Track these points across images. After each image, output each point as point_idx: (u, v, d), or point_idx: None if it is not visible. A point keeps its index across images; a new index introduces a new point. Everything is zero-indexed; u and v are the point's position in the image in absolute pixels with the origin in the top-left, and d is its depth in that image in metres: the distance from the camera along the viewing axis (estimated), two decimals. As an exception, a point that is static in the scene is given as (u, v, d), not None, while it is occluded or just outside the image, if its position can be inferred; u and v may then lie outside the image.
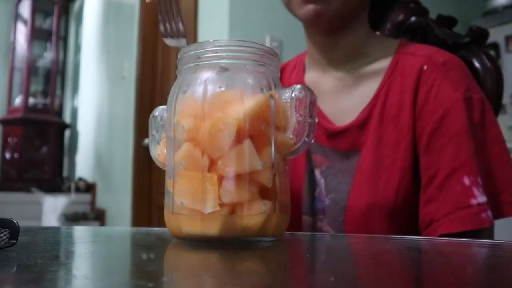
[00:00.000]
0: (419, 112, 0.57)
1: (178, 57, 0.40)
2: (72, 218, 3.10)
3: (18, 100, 4.08)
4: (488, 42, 0.72)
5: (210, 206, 0.34)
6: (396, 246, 0.39)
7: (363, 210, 0.57)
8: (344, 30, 0.62)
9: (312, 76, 0.68)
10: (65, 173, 4.35)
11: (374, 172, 0.58)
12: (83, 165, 3.83)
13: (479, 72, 0.68)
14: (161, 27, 0.45)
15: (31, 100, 4.09)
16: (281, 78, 0.50)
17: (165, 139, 0.41)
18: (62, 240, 0.43)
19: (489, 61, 0.68)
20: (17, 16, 4.19)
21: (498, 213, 0.53)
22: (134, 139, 2.63)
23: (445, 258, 0.33)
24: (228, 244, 0.36)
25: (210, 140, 0.35)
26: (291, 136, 0.37)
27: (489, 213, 0.52)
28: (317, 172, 0.63)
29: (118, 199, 2.85)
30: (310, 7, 0.58)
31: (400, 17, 0.75)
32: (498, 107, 0.69)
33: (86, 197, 3.48)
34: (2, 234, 0.31)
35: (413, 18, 0.74)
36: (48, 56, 4.27)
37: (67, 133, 4.40)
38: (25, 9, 4.15)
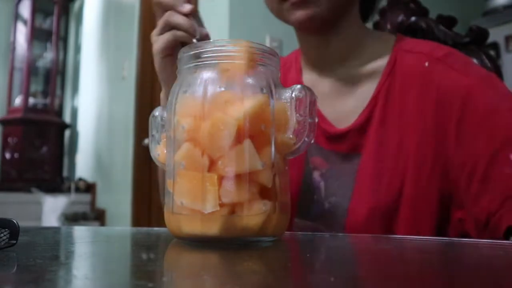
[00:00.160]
0: (434, 112, 0.54)
1: (178, 57, 0.40)
2: (72, 218, 3.11)
3: (18, 100, 4.08)
4: (488, 42, 0.71)
5: (210, 206, 0.34)
6: (396, 246, 0.39)
7: (364, 213, 0.55)
8: (336, 27, 0.61)
9: (308, 78, 0.67)
10: (65, 173, 4.35)
11: (376, 174, 0.56)
12: (83, 165, 3.84)
13: (479, 72, 0.68)
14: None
15: (31, 100, 4.09)
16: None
17: (165, 139, 0.41)
18: (62, 240, 0.43)
19: (489, 61, 0.68)
20: (17, 16, 4.18)
21: None
22: (134, 139, 2.63)
23: (445, 258, 0.33)
24: (228, 244, 0.36)
25: (210, 140, 0.35)
26: (291, 136, 0.37)
27: None
28: (316, 175, 0.62)
29: (118, 199, 2.85)
30: (302, 12, 0.57)
31: (400, 17, 0.75)
32: (498, 107, 0.69)
33: (86, 197, 3.48)
34: (2, 234, 0.31)
35: (413, 18, 0.74)
36: (48, 56, 4.27)
37: (67, 133, 4.39)
38: (25, 9, 4.15)
